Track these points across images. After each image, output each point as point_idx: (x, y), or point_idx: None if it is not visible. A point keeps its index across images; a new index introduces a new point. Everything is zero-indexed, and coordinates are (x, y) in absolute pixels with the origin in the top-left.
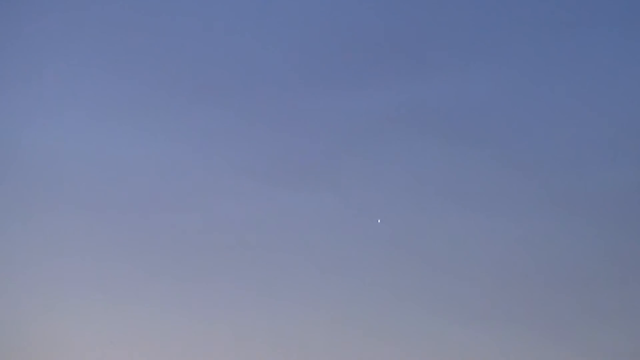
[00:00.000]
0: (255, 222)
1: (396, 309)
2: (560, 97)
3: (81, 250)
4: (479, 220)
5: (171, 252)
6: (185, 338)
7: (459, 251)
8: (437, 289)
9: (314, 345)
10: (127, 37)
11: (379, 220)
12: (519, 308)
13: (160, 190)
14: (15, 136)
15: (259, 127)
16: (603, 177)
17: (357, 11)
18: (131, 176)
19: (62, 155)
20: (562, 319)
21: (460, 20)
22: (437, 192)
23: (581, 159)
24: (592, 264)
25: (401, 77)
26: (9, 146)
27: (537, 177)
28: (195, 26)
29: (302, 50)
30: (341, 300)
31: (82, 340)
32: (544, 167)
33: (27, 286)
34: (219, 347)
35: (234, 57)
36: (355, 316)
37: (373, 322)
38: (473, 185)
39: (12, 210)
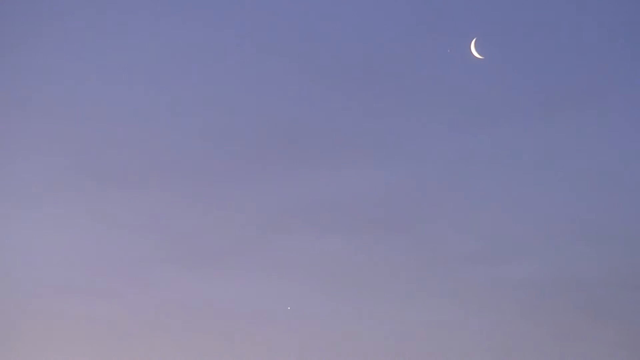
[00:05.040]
0: (169, 309)
1: None
2: (471, 186)
3: None
4: (384, 307)
5: (89, 338)
6: None
7: (369, 340)
8: None
9: None
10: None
11: (289, 308)
12: None
13: (76, 280)
14: None
15: (172, 216)
16: (510, 270)
17: (270, 107)
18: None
19: None
20: None
21: (364, 118)
22: (343, 280)
23: (492, 250)
24: (500, 352)
25: (311, 171)
26: None
27: (445, 265)
28: (114, 113)
29: (215, 139)
30: None
31: None
32: (451, 255)
33: None
34: None
35: (148, 147)
36: None
37: None
38: (381, 273)
39: None
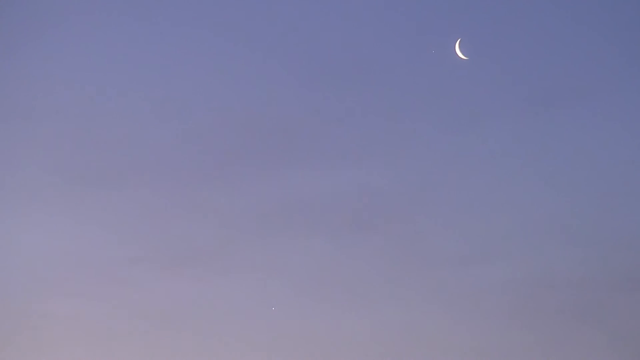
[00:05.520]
0: (153, 310)
1: None
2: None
3: None
4: (367, 308)
5: (72, 339)
6: None
7: (353, 340)
8: None
9: None
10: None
11: (273, 308)
12: None
13: (62, 280)
14: None
15: (155, 217)
16: (495, 271)
17: (252, 108)
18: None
19: None
20: None
21: (348, 119)
22: (326, 281)
23: (476, 251)
24: (483, 352)
25: (294, 172)
26: None
27: (429, 266)
28: (96, 114)
29: (197, 140)
30: None
31: None
32: (436, 256)
33: None
34: None
35: (131, 148)
36: None
37: None
38: (365, 274)
39: None
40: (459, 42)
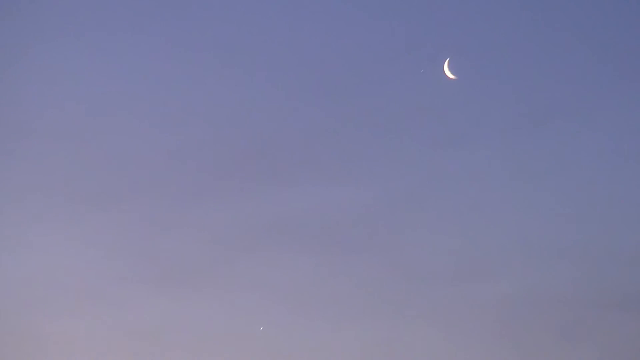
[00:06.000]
0: (141, 328)
1: None
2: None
3: None
4: (357, 326)
5: (62, 357)
6: None
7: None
8: None
9: None
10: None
11: (261, 328)
12: None
13: (54, 295)
14: None
15: (143, 235)
16: (487, 289)
17: (240, 123)
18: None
19: None
20: None
21: (337, 136)
22: (316, 299)
23: (468, 269)
24: None
25: (282, 189)
26: None
27: (420, 284)
28: (85, 132)
29: (185, 156)
30: None
31: None
32: (426, 274)
33: None
34: None
35: (118, 167)
36: None
37: None
38: (355, 292)
39: None
40: (448, 61)
